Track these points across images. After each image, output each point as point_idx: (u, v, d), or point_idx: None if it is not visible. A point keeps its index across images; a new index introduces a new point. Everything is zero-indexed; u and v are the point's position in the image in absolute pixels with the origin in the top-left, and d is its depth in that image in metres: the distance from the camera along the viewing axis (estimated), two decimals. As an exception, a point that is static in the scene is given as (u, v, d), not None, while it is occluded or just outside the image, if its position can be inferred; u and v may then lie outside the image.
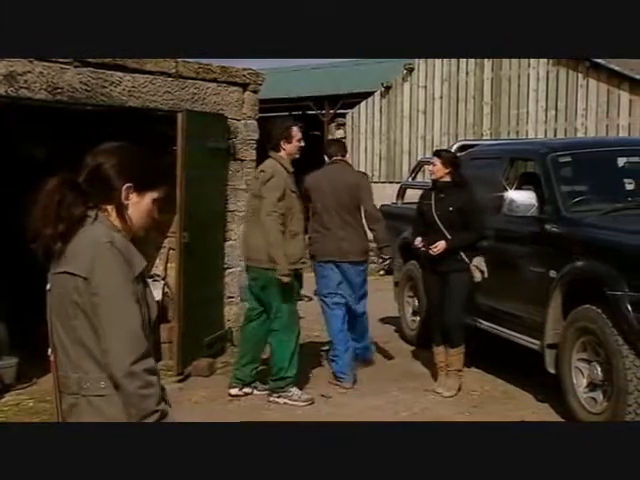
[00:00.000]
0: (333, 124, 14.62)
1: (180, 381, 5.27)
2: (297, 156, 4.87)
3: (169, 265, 6.15)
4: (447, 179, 4.96)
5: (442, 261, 4.88)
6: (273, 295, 4.75)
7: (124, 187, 1.93)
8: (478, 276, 4.91)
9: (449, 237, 4.83)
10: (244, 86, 6.05)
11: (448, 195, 4.92)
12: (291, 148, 4.78)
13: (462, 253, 4.87)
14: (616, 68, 10.08)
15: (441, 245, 4.81)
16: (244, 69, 6.01)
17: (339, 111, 15.48)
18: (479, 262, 4.93)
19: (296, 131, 4.82)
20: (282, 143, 4.77)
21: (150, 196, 1.98)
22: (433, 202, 4.94)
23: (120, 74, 5.08)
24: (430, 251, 4.86)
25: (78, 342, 1.88)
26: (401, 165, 12.84)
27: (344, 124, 14.13)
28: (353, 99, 14.53)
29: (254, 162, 6.22)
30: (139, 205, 1.96)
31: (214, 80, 5.78)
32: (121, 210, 1.94)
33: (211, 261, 5.79)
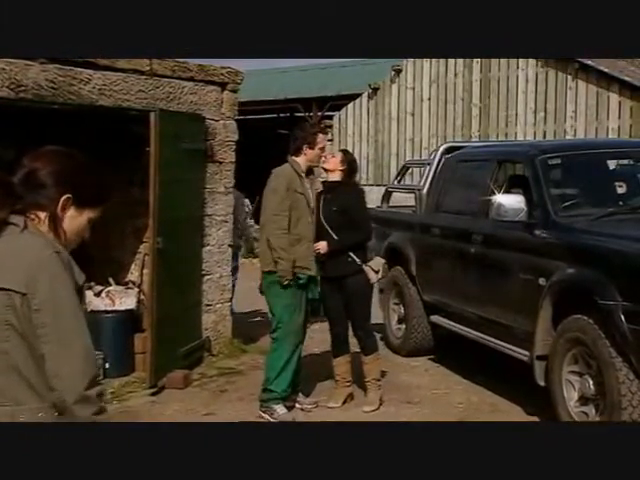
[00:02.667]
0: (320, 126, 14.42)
1: (153, 394, 5.02)
2: (317, 165, 4.74)
3: (145, 271, 5.92)
4: (336, 178, 4.75)
5: (334, 265, 4.65)
6: (272, 302, 4.56)
7: (63, 197, 1.73)
8: (373, 277, 4.71)
9: (335, 238, 4.62)
10: (222, 85, 5.83)
11: (335, 195, 4.72)
12: (312, 155, 4.62)
13: (352, 255, 4.63)
14: (605, 70, 9.96)
15: (323, 245, 4.60)
16: (222, 67, 5.79)
17: (327, 113, 15.31)
18: (376, 263, 4.75)
19: (322, 138, 4.67)
20: (304, 148, 4.60)
21: (88, 214, 1.78)
22: (321, 203, 4.73)
23: (90, 71, 4.84)
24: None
25: (10, 368, 1.65)
26: (389, 168, 12.67)
27: (331, 126, 13.96)
28: (341, 101, 14.38)
29: (233, 164, 6.01)
30: (75, 220, 1.76)
31: (191, 79, 5.56)
32: (55, 221, 1.73)
33: (188, 267, 5.56)
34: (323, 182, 4.92)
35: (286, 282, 4.44)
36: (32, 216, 1.71)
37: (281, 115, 17.95)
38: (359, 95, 13.40)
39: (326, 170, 4.85)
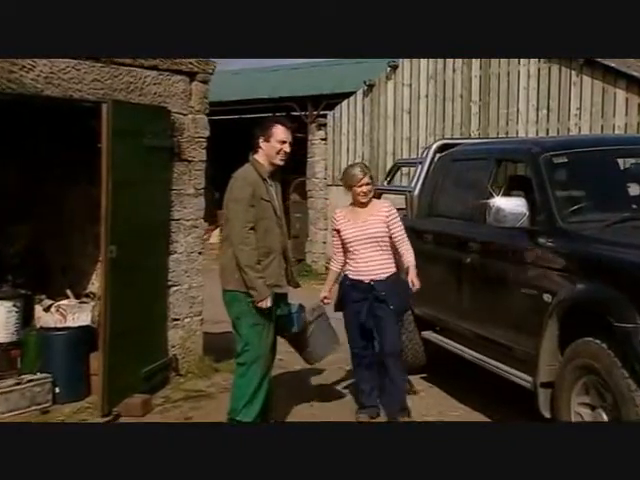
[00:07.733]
0: (314, 124, 14.04)
1: (107, 423, 4.45)
2: (279, 162, 4.03)
3: (107, 281, 5.36)
4: None
5: None
6: (238, 322, 4.02)
7: None
8: None
9: None
10: (191, 75, 5.29)
11: None
12: (268, 149, 4.00)
13: None
14: (612, 65, 9.47)
15: None
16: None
17: (322, 112, 14.95)
18: None
19: (279, 130, 4.02)
20: (260, 142, 4.02)
21: None
22: None
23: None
24: None
25: None
26: (385, 168, 12.17)
27: (325, 125, 13.54)
28: (336, 99, 13.99)
29: (204, 163, 5.46)
30: None
31: (155, 67, 5.01)
32: None
33: (150, 278, 5.00)
34: None
35: (266, 305, 3.91)
36: None
37: (277, 114, 17.53)
38: (355, 93, 12.98)
39: None
